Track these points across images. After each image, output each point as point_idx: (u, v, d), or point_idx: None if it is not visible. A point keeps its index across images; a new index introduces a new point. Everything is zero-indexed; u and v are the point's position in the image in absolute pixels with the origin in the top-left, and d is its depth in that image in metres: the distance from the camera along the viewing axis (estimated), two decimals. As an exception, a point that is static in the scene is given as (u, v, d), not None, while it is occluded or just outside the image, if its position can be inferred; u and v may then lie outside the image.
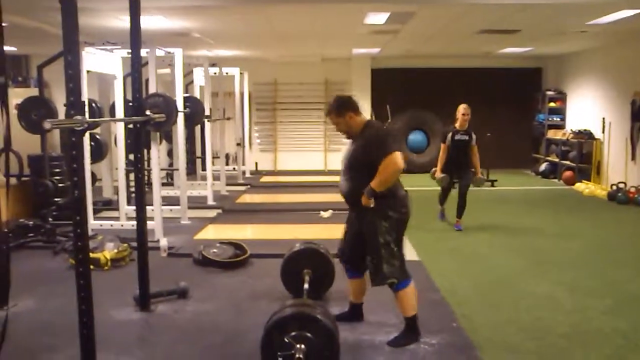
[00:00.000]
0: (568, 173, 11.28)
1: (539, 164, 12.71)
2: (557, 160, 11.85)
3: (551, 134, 12.48)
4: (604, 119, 10.65)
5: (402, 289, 3.63)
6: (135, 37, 4.16)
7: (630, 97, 9.71)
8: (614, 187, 9.35)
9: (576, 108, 12.18)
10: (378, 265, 3.60)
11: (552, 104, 12.70)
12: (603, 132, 10.66)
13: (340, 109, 3.73)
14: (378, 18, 7.47)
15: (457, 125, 7.01)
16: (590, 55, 11.43)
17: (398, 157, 3.49)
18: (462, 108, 6.98)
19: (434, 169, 7.33)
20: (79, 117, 2.92)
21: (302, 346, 3.00)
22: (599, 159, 10.74)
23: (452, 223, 7.31)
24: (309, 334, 3.03)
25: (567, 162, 11.44)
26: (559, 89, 12.82)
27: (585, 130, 11.23)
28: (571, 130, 11.75)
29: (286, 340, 3.01)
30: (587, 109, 11.56)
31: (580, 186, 10.45)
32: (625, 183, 9.38)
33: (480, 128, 11.84)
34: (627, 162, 9.79)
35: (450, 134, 7.04)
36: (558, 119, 12.66)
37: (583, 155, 11.01)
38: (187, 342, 3.76)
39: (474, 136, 7.07)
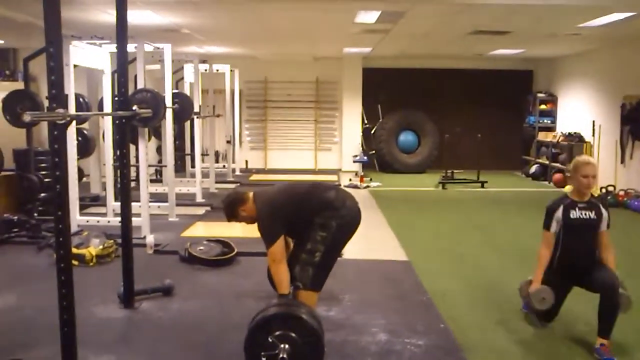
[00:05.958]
0: (558, 175, 11.29)
1: (529, 165, 12.72)
2: (547, 162, 11.86)
3: (542, 136, 12.50)
4: (594, 122, 10.68)
5: (304, 290, 3.53)
6: (121, 31, 4.09)
7: (620, 100, 9.74)
8: (603, 190, 9.36)
9: (567, 111, 12.20)
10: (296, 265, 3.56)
11: (542, 107, 12.72)
12: (593, 135, 10.68)
13: (232, 211, 3.75)
14: (369, 17, 7.43)
15: (572, 194, 3.96)
16: (581, 59, 11.46)
17: (270, 256, 3.53)
18: (584, 165, 3.85)
19: (525, 283, 4.03)
20: (60, 110, 2.86)
21: (286, 346, 2.95)
22: (589, 161, 10.74)
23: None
24: (293, 334, 2.99)
25: (557, 165, 11.46)
26: (549, 92, 12.85)
27: (575, 133, 11.26)
28: (561, 132, 11.77)
29: (270, 340, 2.96)
30: (577, 111, 11.59)
31: (570, 188, 10.44)
32: (614, 186, 9.39)
33: (471, 129, 12.09)
34: (617, 166, 9.81)
35: (560, 211, 3.89)
36: (549, 122, 12.68)
37: (573, 157, 10.99)
38: (170, 341, 3.70)
39: (604, 213, 3.92)
